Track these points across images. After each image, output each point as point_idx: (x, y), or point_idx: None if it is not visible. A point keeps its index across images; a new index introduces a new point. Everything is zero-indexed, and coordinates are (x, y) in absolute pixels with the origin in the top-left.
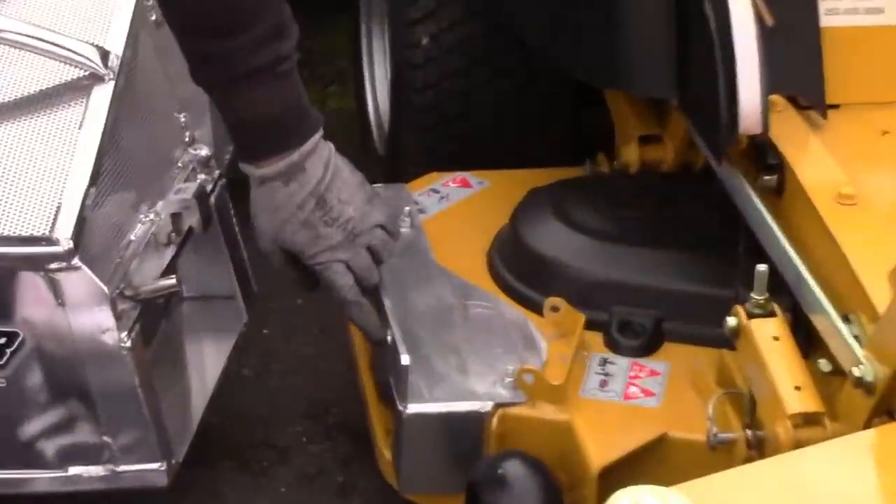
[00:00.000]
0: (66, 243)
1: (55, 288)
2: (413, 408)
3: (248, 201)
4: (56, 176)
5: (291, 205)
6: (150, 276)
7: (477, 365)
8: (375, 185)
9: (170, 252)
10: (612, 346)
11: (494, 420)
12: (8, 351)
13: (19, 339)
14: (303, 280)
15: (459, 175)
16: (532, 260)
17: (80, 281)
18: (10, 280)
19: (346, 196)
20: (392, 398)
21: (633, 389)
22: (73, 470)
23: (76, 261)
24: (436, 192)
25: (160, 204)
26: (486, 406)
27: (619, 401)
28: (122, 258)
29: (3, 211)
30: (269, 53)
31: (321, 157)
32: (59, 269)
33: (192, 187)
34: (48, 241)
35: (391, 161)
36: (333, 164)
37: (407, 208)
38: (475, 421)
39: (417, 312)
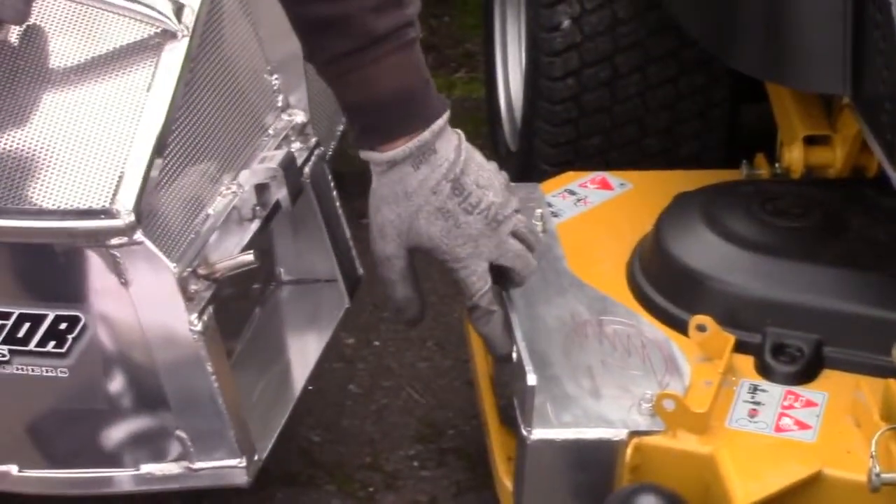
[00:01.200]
0: (126, 216)
1: (117, 266)
2: (538, 433)
3: (349, 182)
4: (120, 143)
5: (424, 190)
6: (230, 253)
7: (611, 388)
8: None
9: (253, 227)
10: (765, 371)
11: (629, 450)
12: (69, 337)
13: (81, 323)
14: (416, 302)
15: (599, 175)
16: (677, 272)
17: (145, 257)
18: (70, 257)
19: (484, 180)
20: (515, 422)
21: (785, 421)
22: (146, 468)
23: (139, 235)
24: (572, 193)
25: (243, 174)
26: (620, 434)
27: (769, 433)
28: (196, 234)
29: (63, 181)
30: (392, 19)
31: (451, 138)
32: (121, 245)
33: (279, 155)
34: (107, 213)
35: (523, 157)
36: (465, 147)
37: (539, 211)
38: (607, 450)
39: (547, 327)
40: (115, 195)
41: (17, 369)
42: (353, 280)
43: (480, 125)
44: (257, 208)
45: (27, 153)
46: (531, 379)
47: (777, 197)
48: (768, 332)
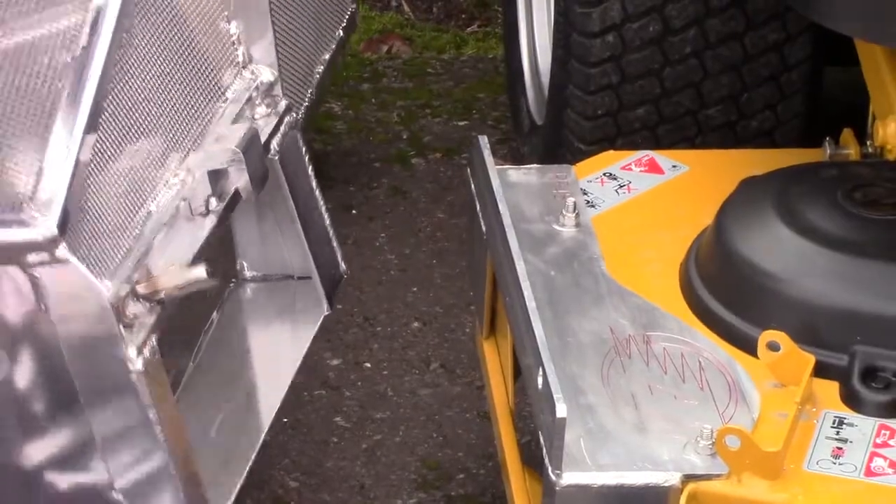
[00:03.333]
0: (47, 227)
1: (35, 287)
2: (570, 477)
3: (335, 164)
4: (38, 122)
5: None
6: (179, 261)
7: (660, 421)
8: (529, 166)
9: (208, 225)
10: (852, 401)
11: (683, 498)
12: None
13: None
14: None
15: (646, 155)
16: (744, 277)
17: (69, 278)
18: None
19: None
20: (541, 463)
21: (878, 463)
22: None
23: (62, 250)
24: (612, 177)
25: (194, 157)
26: (672, 479)
27: (858, 477)
28: (136, 238)
29: None
30: None
31: None
32: (40, 263)
33: (239, 132)
34: (21, 223)
35: (551, 133)
36: None
37: (571, 199)
38: (655, 498)
39: (581, 345)
40: (32, 196)
41: None
42: (333, 278)
43: (497, 92)
44: (212, 200)
45: None
46: (560, 410)
47: (868, 183)
48: (857, 353)
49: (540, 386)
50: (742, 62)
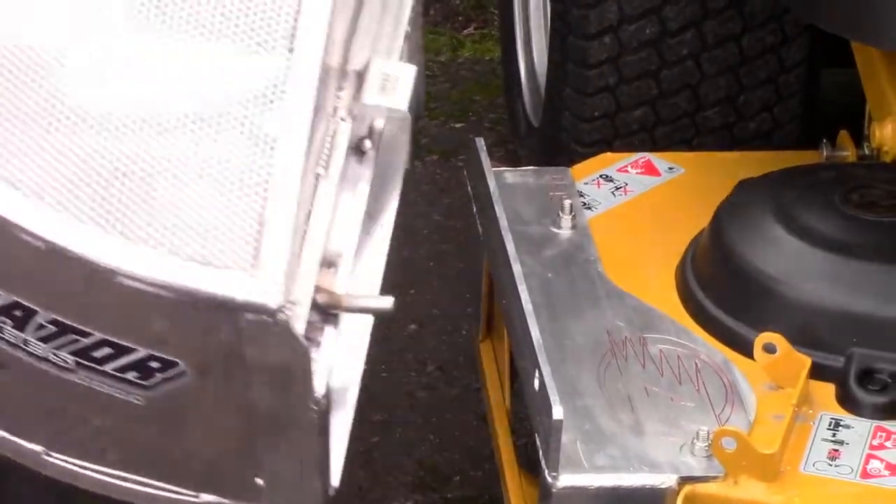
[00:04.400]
0: (271, 296)
1: (239, 331)
2: (567, 479)
3: None
4: (255, 165)
5: None
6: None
7: (657, 423)
8: (526, 168)
9: (367, 175)
10: (849, 402)
11: (679, 500)
12: (159, 376)
13: (177, 368)
14: None
15: (643, 157)
16: (740, 279)
17: (279, 334)
18: (184, 309)
19: None
20: (538, 465)
21: (874, 465)
22: (206, 497)
23: (281, 315)
24: (609, 179)
25: (342, 109)
26: (669, 480)
27: (854, 479)
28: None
29: (180, 220)
30: None
31: None
32: (255, 320)
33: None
34: (239, 282)
35: (548, 135)
36: None
37: (568, 201)
38: (652, 500)
39: (577, 347)
40: (256, 256)
41: (81, 379)
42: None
43: (494, 94)
44: (367, 144)
45: (143, 175)
46: (557, 412)
47: (865, 185)
48: (853, 354)
49: (536, 388)
50: (739, 64)
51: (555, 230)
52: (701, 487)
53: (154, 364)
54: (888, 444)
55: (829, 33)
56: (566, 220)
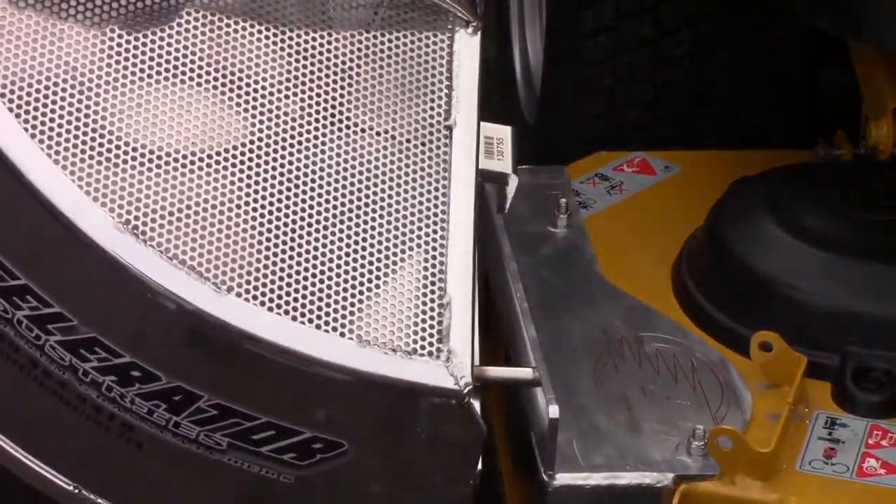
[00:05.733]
0: (460, 381)
1: (417, 415)
2: (563, 478)
3: None
4: (427, 231)
5: None
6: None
7: (653, 422)
8: (521, 167)
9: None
10: (845, 401)
11: (675, 498)
12: (318, 456)
13: (341, 448)
14: None
15: (638, 156)
16: (736, 278)
17: (460, 417)
18: (365, 393)
19: None
20: (534, 464)
21: (870, 463)
22: None
23: (467, 399)
24: (605, 178)
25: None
26: (665, 479)
27: (850, 478)
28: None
29: (355, 299)
30: None
31: None
32: (438, 403)
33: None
34: (427, 366)
35: (543, 133)
36: None
37: (563, 200)
38: (648, 498)
39: (573, 346)
40: (442, 340)
41: (231, 461)
42: None
43: (490, 93)
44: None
45: (314, 253)
46: (553, 411)
47: (861, 183)
48: (849, 353)
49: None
50: (736, 64)
51: (550, 229)
52: (697, 486)
53: (317, 445)
54: (884, 442)
55: (825, 32)
56: (562, 218)
